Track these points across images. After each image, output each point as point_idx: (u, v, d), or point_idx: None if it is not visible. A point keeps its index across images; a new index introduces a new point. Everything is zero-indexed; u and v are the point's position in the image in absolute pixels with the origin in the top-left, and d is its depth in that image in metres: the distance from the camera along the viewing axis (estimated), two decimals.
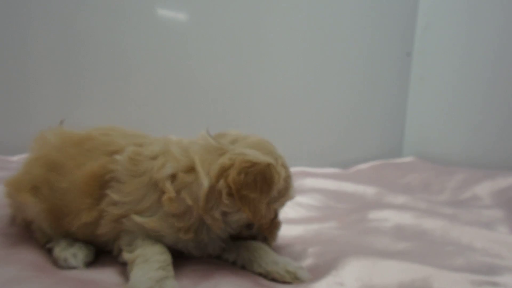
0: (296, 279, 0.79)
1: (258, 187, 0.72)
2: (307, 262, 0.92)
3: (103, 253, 0.85)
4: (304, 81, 2.30)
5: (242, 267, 0.85)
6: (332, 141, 2.43)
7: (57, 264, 0.79)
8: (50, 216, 0.82)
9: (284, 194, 0.81)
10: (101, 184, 0.78)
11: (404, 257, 0.95)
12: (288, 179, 0.82)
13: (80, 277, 0.73)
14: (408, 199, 1.55)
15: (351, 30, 2.35)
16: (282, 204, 0.86)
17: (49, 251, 0.83)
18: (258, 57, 2.15)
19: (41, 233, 0.85)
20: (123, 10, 1.77)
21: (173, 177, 0.74)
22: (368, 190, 1.68)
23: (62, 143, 0.83)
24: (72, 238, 0.83)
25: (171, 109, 1.96)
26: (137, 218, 0.74)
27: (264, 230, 0.83)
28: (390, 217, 1.30)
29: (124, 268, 0.81)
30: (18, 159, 1.49)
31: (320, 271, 0.86)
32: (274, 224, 0.87)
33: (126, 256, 0.74)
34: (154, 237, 0.77)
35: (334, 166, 2.25)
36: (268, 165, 0.73)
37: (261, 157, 0.75)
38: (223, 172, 0.72)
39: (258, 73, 2.17)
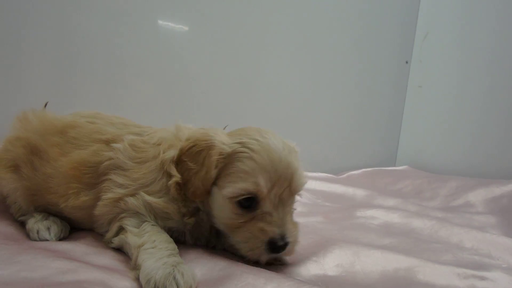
0: (278, 260, 0.77)
1: (199, 160, 0.72)
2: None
3: (74, 231, 0.84)
4: (301, 87, 2.28)
5: (232, 253, 0.82)
6: (326, 149, 2.41)
7: (30, 236, 0.79)
8: (29, 192, 0.82)
9: (230, 173, 0.72)
10: (93, 171, 0.78)
11: (389, 249, 0.91)
12: (239, 159, 0.72)
13: (49, 247, 0.72)
14: (398, 202, 1.51)
15: (350, 38, 2.35)
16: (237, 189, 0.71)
17: (22, 225, 0.82)
18: (255, 64, 2.15)
19: (16, 207, 0.85)
20: (125, 17, 1.81)
21: (177, 162, 0.75)
22: (358, 192, 1.64)
23: (45, 130, 0.83)
24: (48, 212, 0.83)
25: (168, 113, 1.97)
26: (147, 197, 0.73)
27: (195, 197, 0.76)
28: (378, 216, 1.26)
29: (93, 242, 0.79)
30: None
31: (301, 258, 0.82)
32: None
33: (132, 239, 0.71)
34: (161, 219, 0.75)
35: (326, 173, 2.22)
36: (212, 141, 0.73)
37: (211, 134, 0.75)
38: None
39: (254, 80, 2.16)
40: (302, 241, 0.92)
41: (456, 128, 2.18)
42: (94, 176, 0.78)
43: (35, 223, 0.79)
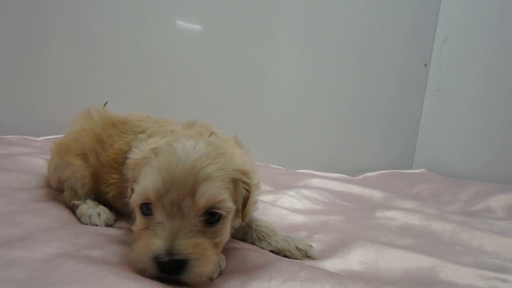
0: (306, 256, 0.80)
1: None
2: (314, 249, 0.90)
3: (118, 221, 0.90)
4: (318, 89, 2.31)
5: (251, 244, 0.86)
6: (343, 150, 2.42)
7: (81, 220, 0.86)
8: (93, 180, 0.89)
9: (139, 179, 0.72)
10: (124, 161, 0.81)
11: (410, 249, 0.92)
12: None
13: (99, 232, 0.78)
14: (417, 204, 1.51)
15: (370, 40, 2.36)
16: None
17: (73, 211, 0.90)
18: (268, 63, 2.18)
19: (70, 192, 0.92)
20: (146, 18, 1.94)
21: None
22: (375, 194, 1.65)
23: (105, 123, 0.92)
24: (100, 201, 0.90)
25: (182, 109, 2.03)
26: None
27: None
28: (397, 217, 1.27)
29: None
30: (42, 140, 1.72)
31: (326, 254, 0.85)
32: None
33: None
34: None
35: (342, 174, 2.23)
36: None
37: None
38: None
39: (268, 79, 2.20)
40: (326, 237, 0.96)
41: (474, 132, 2.17)
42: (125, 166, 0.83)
43: (88, 209, 0.86)
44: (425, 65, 2.42)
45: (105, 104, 1.04)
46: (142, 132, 0.85)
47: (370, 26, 2.34)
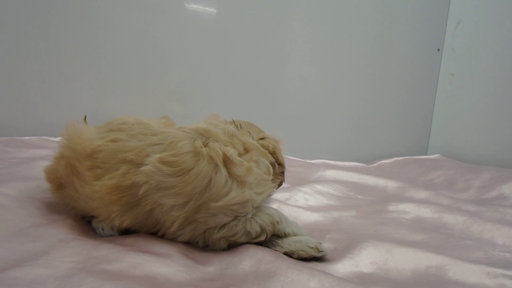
0: (319, 251, 0.86)
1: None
2: (324, 246, 0.94)
3: None
4: (332, 74, 2.30)
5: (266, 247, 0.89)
6: (357, 137, 2.43)
7: (96, 232, 0.87)
8: (76, 210, 0.89)
9: None
10: (129, 193, 0.79)
11: (421, 246, 0.96)
12: None
13: (116, 242, 0.81)
14: (430, 194, 1.53)
15: (381, 25, 2.33)
16: None
17: (88, 221, 0.92)
18: (283, 47, 2.17)
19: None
20: (154, 3, 1.90)
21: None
22: (389, 184, 1.67)
23: (79, 153, 0.85)
24: None
25: (197, 100, 2.04)
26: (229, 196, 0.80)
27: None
28: (409, 210, 1.30)
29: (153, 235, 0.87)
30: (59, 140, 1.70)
31: (337, 254, 0.89)
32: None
33: (255, 228, 0.85)
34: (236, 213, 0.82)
35: (357, 162, 2.25)
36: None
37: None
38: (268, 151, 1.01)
39: (283, 64, 2.19)
40: (338, 236, 0.99)
41: (489, 116, 2.15)
42: (132, 196, 0.79)
43: (99, 222, 0.86)
44: (438, 50, 2.38)
45: (85, 118, 0.99)
46: (135, 162, 0.79)
47: (382, 12, 2.31)
